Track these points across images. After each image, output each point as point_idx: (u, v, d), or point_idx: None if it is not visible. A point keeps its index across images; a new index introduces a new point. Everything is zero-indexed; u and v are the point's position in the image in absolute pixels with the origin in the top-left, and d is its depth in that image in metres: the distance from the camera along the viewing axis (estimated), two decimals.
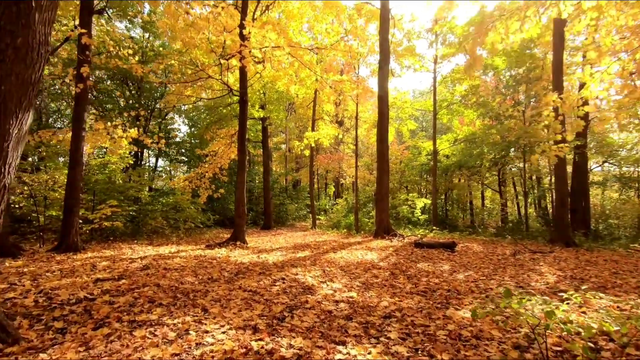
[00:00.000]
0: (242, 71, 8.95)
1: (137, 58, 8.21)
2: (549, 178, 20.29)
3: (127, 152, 11.08)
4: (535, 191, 18.46)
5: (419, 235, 11.43)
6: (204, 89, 10.97)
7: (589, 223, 13.68)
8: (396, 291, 4.56)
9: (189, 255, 7.20)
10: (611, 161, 17.94)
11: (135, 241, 9.53)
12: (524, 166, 16.59)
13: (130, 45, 8.70)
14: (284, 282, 4.85)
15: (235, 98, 10.27)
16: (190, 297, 4.08)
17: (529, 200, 18.15)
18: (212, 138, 14.12)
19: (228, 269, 5.76)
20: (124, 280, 4.71)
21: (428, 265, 6.41)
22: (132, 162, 12.54)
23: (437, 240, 9.40)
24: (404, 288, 4.73)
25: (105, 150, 11.45)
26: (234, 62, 6.62)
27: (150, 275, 5.15)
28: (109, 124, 7.90)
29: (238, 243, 9.01)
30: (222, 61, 7.34)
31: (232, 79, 12.83)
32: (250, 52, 7.12)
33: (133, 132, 8.40)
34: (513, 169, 18.98)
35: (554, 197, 18.14)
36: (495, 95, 16.53)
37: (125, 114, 8.62)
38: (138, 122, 11.72)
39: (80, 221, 9.13)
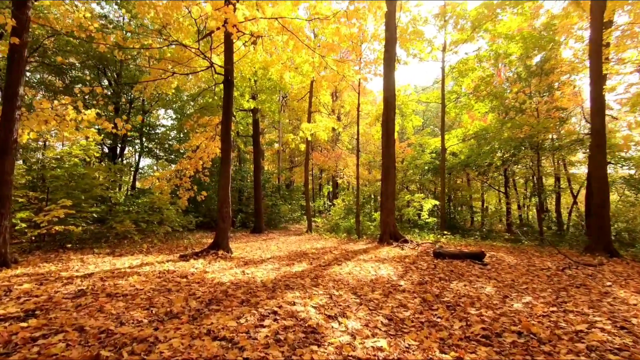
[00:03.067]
0: (228, 41, 7.37)
1: (96, 25, 6.56)
2: (553, 179, 19.12)
3: (93, 142, 9.37)
4: (537, 193, 17.15)
5: (432, 242, 9.98)
6: (185, 68, 9.32)
7: None
8: (443, 335, 3.06)
9: (153, 270, 5.58)
10: (623, 162, 16.81)
11: (94, 250, 7.84)
12: (538, 165, 15.31)
13: (87, 8, 7.05)
14: (276, 320, 3.31)
15: (220, 79, 8.70)
16: (124, 355, 2.51)
17: (534, 202, 16.86)
18: (194, 129, 12.44)
19: (199, 295, 4.19)
20: (32, 320, 3.11)
21: (464, 285, 4.93)
22: (99, 155, 10.84)
23: (460, 249, 7.96)
24: (452, 328, 3.23)
25: (74, 140, 9.69)
26: (213, 17, 5.05)
27: (81, 307, 3.56)
28: (55, 102, 6.24)
29: (220, 252, 7.41)
30: (197, 7, 5.74)
31: (219, 62, 11.26)
32: (235, 13, 5.58)
33: (90, 114, 6.74)
34: (521, 169, 17.70)
35: (557, 199, 16.95)
36: (510, 86, 15.24)
37: (77, 91, 6.92)
38: (95, 102, 9.96)
39: (24, 225, 7.45)
